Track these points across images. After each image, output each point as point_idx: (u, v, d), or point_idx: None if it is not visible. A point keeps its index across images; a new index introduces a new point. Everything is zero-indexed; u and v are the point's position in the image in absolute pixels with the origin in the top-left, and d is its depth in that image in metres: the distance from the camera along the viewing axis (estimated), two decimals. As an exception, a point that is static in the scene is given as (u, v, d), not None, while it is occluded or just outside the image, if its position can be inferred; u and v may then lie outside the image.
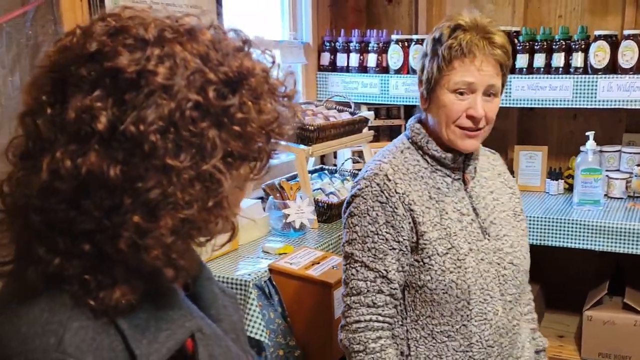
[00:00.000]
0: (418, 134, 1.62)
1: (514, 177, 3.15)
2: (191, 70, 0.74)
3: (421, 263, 1.55)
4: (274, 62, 0.87)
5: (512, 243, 1.63)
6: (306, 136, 2.62)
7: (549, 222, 2.65)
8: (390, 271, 1.55)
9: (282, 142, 0.91)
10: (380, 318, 1.56)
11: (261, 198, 2.68)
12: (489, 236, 1.60)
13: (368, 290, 1.56)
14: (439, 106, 1.55)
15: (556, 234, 2.64)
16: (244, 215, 2.07)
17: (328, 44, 3.45)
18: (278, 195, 2.62)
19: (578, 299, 2.89)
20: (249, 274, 2.05)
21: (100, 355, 0.74)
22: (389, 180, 1.56)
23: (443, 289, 1.53)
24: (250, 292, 1.99)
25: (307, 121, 2.62)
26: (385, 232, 1.55)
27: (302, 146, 2.63)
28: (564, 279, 3.26)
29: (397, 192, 1.55)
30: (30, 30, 1.96)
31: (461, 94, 1.52)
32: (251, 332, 1.97)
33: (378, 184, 1.56)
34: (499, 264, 1.59)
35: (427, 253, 1.54)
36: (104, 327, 0.76)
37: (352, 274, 1.58)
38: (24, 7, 1.92)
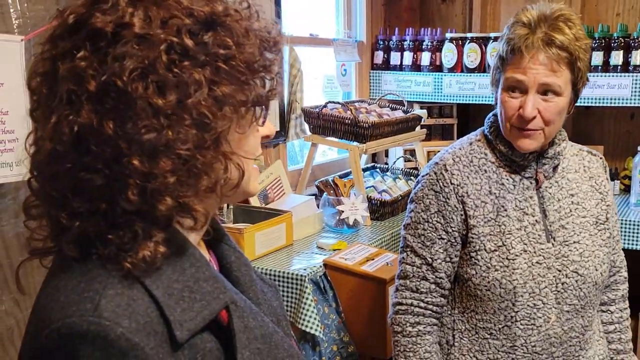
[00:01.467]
0: (490, 127, 1.59)
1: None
2: (163, 17, 0.76)
3: (468, 257, 1.55)
4: (249, 6, 0.86)
5: (582, 251, 1.55)
6: (360, 133, 2.64)
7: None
8: (435, 260, 1.56)
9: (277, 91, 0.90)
10: (422, 304, 1.58)
11: (315, 195, 2.71)
12: (554, 240, 1.54)
13: (413, 276, 1.59)
14: (499, 104, 1.53)
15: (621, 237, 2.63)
16: (285, 207, 2.02)
17: (382, 43, 3.47)
18: (332, 192, 2.65)
19: (635, 302, 2.86)
20: (304, 269, 2.07)
21: (136, 320, 0.74)
22: (446, 170, 1.56)
23: (486, 286, 1.52)
24: (306, 287, 2.01)
25: (360, 118, 2.64)
26: (436, 220, 1.56)
27: (355, 143, 2.65)
28: (630, 285, 3.23)
29: (452, 183, 1.55)
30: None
31: (513, 91, 1.49)
32: (306, 326, 1.99)
33: (435, 173, 1.57)
34: (559, 271, 1.52)
35: (474, 247, 1.54)
36: (138, 295, 0.76)
37: (403, 258, 1.62)
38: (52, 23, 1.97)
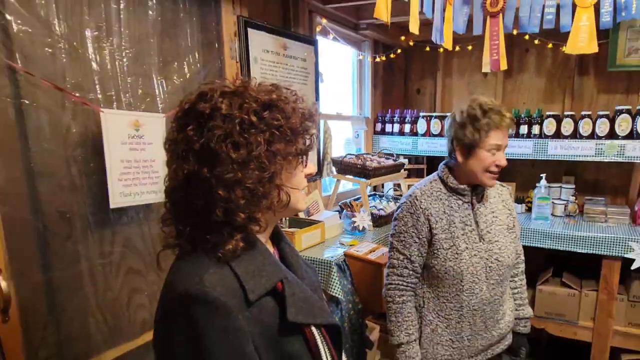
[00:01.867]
0: (442, 171, 1.59)
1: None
2: (239, 103, 0.79)
3: (432, 253, 1.55)
4: (295, 94, 0.88)
5: (500, 247, 1.57)
6: (366, 173, 2.65)
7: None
8: (412, 256, 1.56)
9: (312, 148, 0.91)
10: (405, 284, 1.58)
11: (339, 211, 2.70)
12: (484, 240, 1.55)
13: (398, 266, 1.58)
14: (478, 160, 1.48)
15: (523, 237, 2.59)
16: (320, 218, 1.99)
17: (380, 118, 3.48)
18: (349, 209, 2.65)
19: (534, 278, 2.81)
20: (332, 257, 2.07)
21: (225, 287, 0.76)
22: (417, 200, 1.56)
23: (444, 271, 1.53)
24: (333, 268, 2.02)
25: (367, 164, 2.66)
26: (412, 231, 1.55)
27: (363, 179, 2.67)
28: (526, 265, 3.17)
29: (421, 207, 1.54)
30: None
31: (496, 150, 1.49)
32: (332, 291, 1.99)
33: (410, 201, 1.57)
34: (487, 259, 1.54)
35: (436, 247, 1.54)
36: (227, 273, 0.79)
37: (390, 255, 1.62)
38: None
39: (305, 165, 0.92)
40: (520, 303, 1.75)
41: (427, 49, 3.31)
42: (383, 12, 1.73)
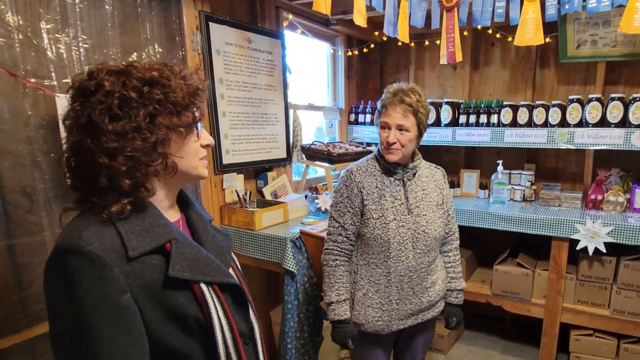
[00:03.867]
0: (378, 151, 1.70)
1: (459, 188, 3.18)
2: (123, 80, 0.83)
3: (363, 222, 1.64)
4: (181, 71, 0.91)
5: (428, 220, 1.65)
6: (331, 159, 2.72)
7: (477, 213, 2.65)
8: (346, 224, 1.66)
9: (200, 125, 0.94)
10: (339, 249, 1.68)
11: (306, 195, 2.77)
12: (411, 213, 1.63)
13: (334, 233, 1.69)
14: (379, 136, 1.64)
15: (481, 220, 2.64)
16: (286, 200, 2.03)
17: (354, 109, 3.54)
18: (314, 192, 2.73)
19: (493, 259, 2.86)
20: (288, 234, 2.14)
21: (102, 242, 0.79)
22: (352, 174, 1.67)
23: (373, 238, 1.62)
24: (287, 244, 2.09)
25: (332, 151, 2.72)
26: (346, 202, 1.66)
27: (328, 165, 2.74)
28: (486, 247, 3.23)
29: (355, 180, 1.65)
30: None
31: (384, 128, 1.61)
32: (286, 265, 2.08)
33: (347, 175, 1.69)
34: (414, 230, 1.62)
35: (366, 216, 1.63)
36: (109, 231, 0.82)
37: (329, 223, 1.72)
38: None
39: (198, 136, 0.94)
40: (453, 276, 1.82)
41: (400, 43, 3.35)
42: (322, 4, 1.79)
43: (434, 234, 1.66)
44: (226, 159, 2.34)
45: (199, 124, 0.95)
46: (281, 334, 2.13)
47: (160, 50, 2.00)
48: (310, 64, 3.34)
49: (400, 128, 1.58)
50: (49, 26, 1.58)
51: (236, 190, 2.36)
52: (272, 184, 2.62)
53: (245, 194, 2.38)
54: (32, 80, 1.54)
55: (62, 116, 0.88)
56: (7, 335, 1.51)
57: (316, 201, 2.60)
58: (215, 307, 0.90)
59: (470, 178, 3.22)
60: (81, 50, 1.69)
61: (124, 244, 0.82)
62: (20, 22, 1.51)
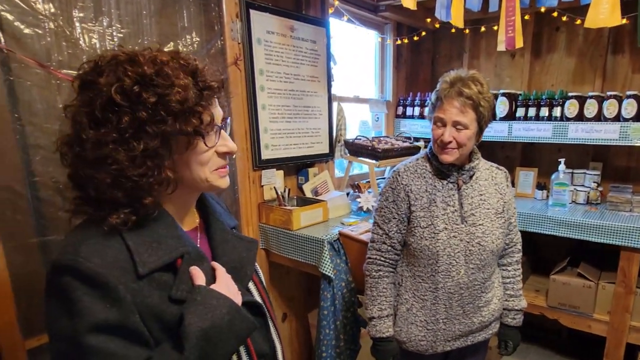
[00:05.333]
0: (430, 150, 1.49)
1: (514, 187, 2.90)
2: (118, 75, 0.70)
3: (410, 230, 1.46)
4: (188, 65, 0.77)
5: (484, 230, 1.43)
6: (375, 155, 2.53)
7: (533, 216, 2.39)
8: (391, 231, 1.48)
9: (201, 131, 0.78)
10: (382, 259, 1.50)
11: (348, 193, 2.61)
12: (466, 222, 1.42)
13: (377, 241, 1.51)
14: (431, 133, 1.44)
15: (537, 224, 2.38)
16: (327, 198, 1.89)
17: (401, 101, 3.32)
18: (356, 190, 2.57)
19: (549, 267, 2.59)
20: (326, 235, 1.99)
21: (103, 257, 0.69)
22: (399, 175, 1.48)
23: (420, 249, 1.43)
24: (325, 246, 1.95)
25: (376, 146, 2.54)
26: (392, 207, 1.48)
27: (373, 161, 2.55)
28: (542, 254, 2.95)
29: (402, 183, 1.47)
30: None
31: (437, 124, 1.41)
32: (323, 269, 1.93)
33: (393, 177, 1.50)
34: (468, 242, 1.42)
35: (413, 224, 1.45)
36: (113, 243, 0.71)
37: (372, 229, 1.54)
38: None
39: (206, 144, 0.79)
40: (512, 294, 1.59)
41: (453, 30, 3.09)
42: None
43: (490, 247, 1.44)
44: (265, 154, 2.21)
45: (216, 129, 0.80)
46: (317, 341, 1.99)
47: (197, 39, 1.89)
48: (357, 54, 3.14)
49: (457, 125, 1.36)
50: (81, 14, 1.49)
51: (275, 187, 2.23)
52: (312, 180, 2.47)
53: (284, 191, 2.25)
54: (64, 71, 1.46)
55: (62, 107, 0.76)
56: (37, 335, 1.46)
57: (358, 200, 2.43)
58: None
59: (526, 177, 2.93)
60: (115, 39, 1.60)
61: (133, 258, 0.71)
62: (52, 10, 1.42)
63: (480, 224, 1.44)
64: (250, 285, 0.92)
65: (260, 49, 2.14)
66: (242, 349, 0.80)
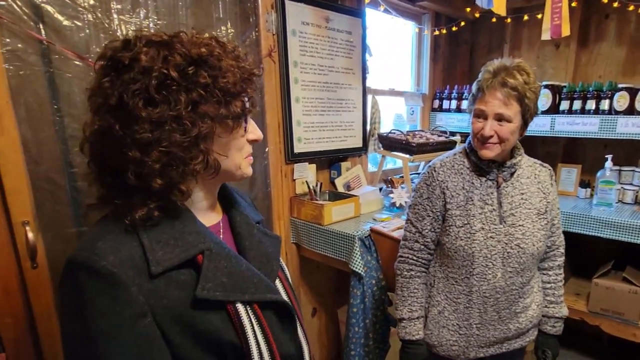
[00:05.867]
0: (468, 144, 1.42)
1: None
2: (164, 55, 0.68)
3: (444, 229, 1.40)
4: (234, 50, 0.76)
5: (524, 232, 1.35)
6: (410, 149, 2.47)
7: (576, 216, 2.28)
8: (424, 229, 1.43)
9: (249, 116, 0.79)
10: (415, 258, 1.45)
11: (381, 188, 2.56)
12: (505, 223, 1.35)
13: (410, 239, 1.46)
14: (471, 126, 1.37)
15: (580, 224, 2.27)
16: (359, 193, 1.86)
17: (438, 94, 3.23)
18: (389, 185, 2.52)
19: (591, 270, 2.47)
20: (357, 232, 1.96)
21: (118, 256, 0.66)
22: (435, 171, 1.42)
23: (454, 250, 1.38)
24: (355, 242, 1.91)
25: (410, 140, 2.48)
26: (426, 204, 1.42)
27: (407, 156, 2.49)
28: (583, 255, 2.81)
29: (437, 179, 1.41)
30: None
31: (479, 117, 1.33)
32: (353, 266, 1.90)
33: (428, 172, 1.44)
34: (506, 244, 1.34)
35: (448, 223, 1.39)
36: (128, 240, 0.69)
37: (405, 227, 1.49)
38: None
39: (245, 130, 0.80)
40: (552, 300, 1.51)
41: (494, 19, 2.97)
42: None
43: (531, 250, 1.36)
44: (298, 148, 2.19)
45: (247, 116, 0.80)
46: (345, 339, 1.97)
47: (232, 30, 1.87)
48: (393, 45, 3.07)
49: (499, 118, 1.28)
50: (119, 6, 1.50)
51: (307, 181, 2.21)
52: (345, 174, 2.44)
53: (316, 185, 2.22)
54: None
55: (88, 91, 0.73)
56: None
57: (391, 195, 2.38)
58: (254, 329, 0.76)
59: (569, 174, 2.80)
60: (151, 31, 1.59)
61: (147, 256, 0.68)
62: (91, 2, 1.43)
63: (520, 225, 1.36)
64: (277, 282, 0.90)
65: (295, 41, 2.11)
66: (265, 351, 0.77)
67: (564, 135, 2.56)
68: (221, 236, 0.86)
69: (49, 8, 1.35)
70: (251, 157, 0.84)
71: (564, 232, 2.23)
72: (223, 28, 1.84)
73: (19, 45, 1.29)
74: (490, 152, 1.33)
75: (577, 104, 2.49)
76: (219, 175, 0.80)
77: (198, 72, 0.70)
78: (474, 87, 1.35)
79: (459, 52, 3.41)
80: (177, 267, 0.71)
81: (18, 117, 1.30)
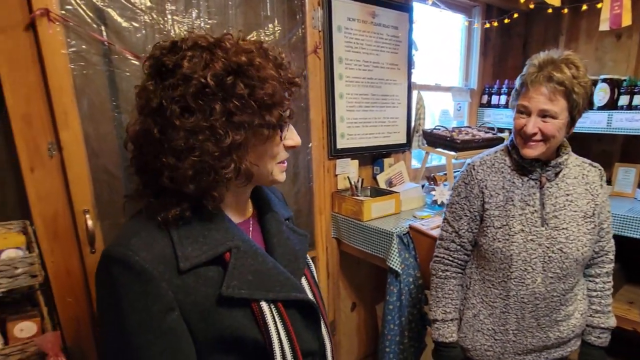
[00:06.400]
0: (510, 142, 1.37)
1: (610, 185, 2.66)
2: (206, 62, 0.69)
3: (482, 229, 1.38)
4: (276, 59, 0.76)
5: (568, 236, 1.29)
6: (454, 146, 2.45)
7: (632, 220, 2.19)
8: (461, 230, 1.41)
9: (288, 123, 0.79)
10: (450, 258, 1.45)
11: (423, 185, 2.56)
12: (547, 225, 1.30)
13: (446, 239, 1.45)
14: (513, 122, 1.32)
15: (636, 228, 2.18)
16: (401, 190, 1.86)
17: (487, 89, 3.16)
18: (432, 182, 2.51)
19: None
20: (396, 229, 1.98)
21: (151, 252, 0.69)
22: (474, 169, 1.39)
23: (491, 251, 1.35)
24: (393, 239, 1.93)
25: (455, 137, 2.45)
26: (464, 203, 1.40)
27: (451, 152, 2.48)
28: (638, 261, 2.68)
29: (476, 178, 1.38)
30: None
31: (522, 113, 1.27)
32: (390, 263, 1.92)
33: (467, 170, 1.42)
34: (548, 248, 1.29)
35: (486, 223, 1.36)
36: (160, 236, 0.72)
37: (442, 226, 1.48)
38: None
39: (282, 138, 0.80)
40: (599, 309, 1.44)
41: (550, 10, 2.86)
42: None
43: (575, 255, 1.30)
44: (340, 144, 2.23)
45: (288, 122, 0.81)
46: (381, 335, 2.01)
47: (279, 28, 1.93)
48: (440, 40, 3.03)
49: (544, 114, 1.22)
50: (173, 7, 1.59)
51: (348, 177, 2.25)
52: (387, 171, 2.45)
53: (357, 181, 2.26)
54: (156, 62, 1.57)
55: (136, 89, 0.76)
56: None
57: (433, 193, 2.38)
58: (277, 328, 0.78)
59: (626, 174, 2.67)
60: (203, 30, 1.68)
61: (176, 253, 0.71)
62: (148, 4, 1.53)
63: (564, 228, 1.31)
64: (303, 280, 0.90)
65: (340, 37, 2.14)
66: (287, 349, 0.78)
67: (622, 133, 2.44)
68: (250, 233, 0.88)
69: (110, 11, 1.45)
70: (285, 163, 0.85)
71: (618, 237, 2.15)
72: (270, 26, 1.90)
73: (83, 47, 1.40)
74: (533, 151, 1.28)
75: (637, 99, 2.36)
76: (250, 182, 0.82)
77: (236, 82, 0.70)
78: (518, 81, 1.30)
79: (511, 45, 3.31)
80: (206, 264, 0.73)
81: (81, 113, 1.42)
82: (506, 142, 1.42)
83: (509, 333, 1.37)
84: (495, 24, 3.04)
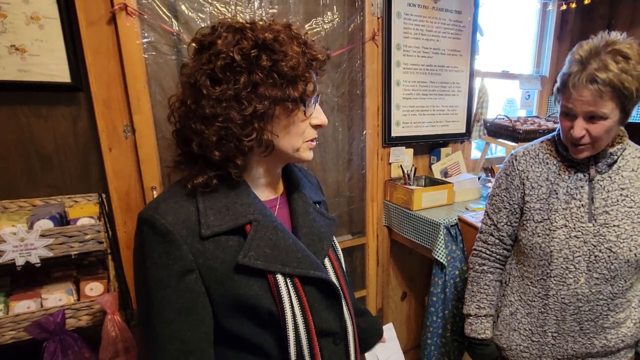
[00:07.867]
0: (558, 133, 1.32)
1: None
2: (236, 39, 0.77)
3: (522, 223, 1.37)
4: (304, 36, 0.83)
5: (619, 234, 1.22)
6: (516, 137, 2.44)
7: None
8: (499, 223, 1.42)
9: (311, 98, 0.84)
10: (488, 252, 1.46)
11: (479, 177, 2.57)
12: (594, 221, 1.24)
13: (485, 232, 1.48)
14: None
15: None
16: (456, 180, 1.94)
17: (560, 77, 3.06)
18: (489, 174, 2.52)
19: None
20: (445, 220, 2.02)
21: (176, 216, 0.78)
22: (516, 160, 1.38)
23: (530, 247, 1.33)
24: (440, 230, 1.98)
25: (517, 127, 2.44)
26: (504, 195, 1.39)
27: (512, 143, 2.46)
28: None
29: (518, 169, 1.36)
30: (345, 62, 2.11)
31: (566, 115, 1.21)
32: (436, 255, 1.99)
33: (509, 161, 1.40)
34: (594, 246, 1.23)
35: (526, 217, 1.34)
36: (187, 204, 0.80)
37: (482, 219, 1.51)
38: (347, 48, 2.15)
39: (306, 114, 0.85)
40: None
41: (638, -8, 2.73)
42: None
43: (626, 255, 1.23)
44: (395, 132, 2.31)
45: (313, 100, 0.86)
46: (424, 326, 2.09)
47: (337, 15, 2.03)
48: (509, 24, 2.98)
49: (591, 116, 1.16)
50: (236, -1, 1.75)
51: (401, 166, 2.33)
52: (443, 161, 2.51)
53: (411, 170, 2.34)
54: (219, 51, 1.74)
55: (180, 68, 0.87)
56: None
57: (488, 185, 2.40)
58: (291, 301, 0.84)
59: None
60: (264, 20, 1.82)
61: (200, 220, 0.79)
62: (213, -4, 1.70)
63: (615, 225, 1.24)
64: (326, 261, 0.95)
65: (399, 23, 2.20)
66: (300, 322, 0.84)
67: None
68: (276, 211, 0.94)
69: (180, 3, 1.63)
70: (314, 142, 0.90)
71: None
72: (329, 13, 2.01)
73: (155, 37, 1.60)
74: (581, 155, 1.24)
75: None
76: (276, 155, 0.88)
77: (260, 55, 0.77)
78: (559, 79, 1.22)
79: (593, 28, 3.17)
80: (227, 233, 0.81)
81: (152, 99, 1.62)
82: (553, 133, 1.38)
83: (547, 335, 1.35)
84: (574, 5, 2.93)
